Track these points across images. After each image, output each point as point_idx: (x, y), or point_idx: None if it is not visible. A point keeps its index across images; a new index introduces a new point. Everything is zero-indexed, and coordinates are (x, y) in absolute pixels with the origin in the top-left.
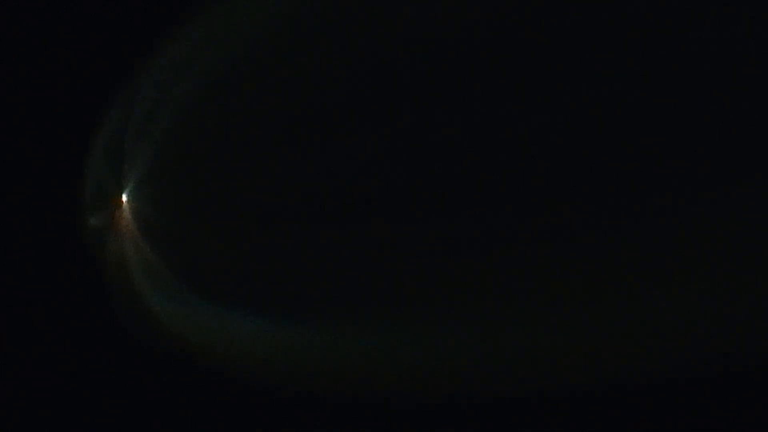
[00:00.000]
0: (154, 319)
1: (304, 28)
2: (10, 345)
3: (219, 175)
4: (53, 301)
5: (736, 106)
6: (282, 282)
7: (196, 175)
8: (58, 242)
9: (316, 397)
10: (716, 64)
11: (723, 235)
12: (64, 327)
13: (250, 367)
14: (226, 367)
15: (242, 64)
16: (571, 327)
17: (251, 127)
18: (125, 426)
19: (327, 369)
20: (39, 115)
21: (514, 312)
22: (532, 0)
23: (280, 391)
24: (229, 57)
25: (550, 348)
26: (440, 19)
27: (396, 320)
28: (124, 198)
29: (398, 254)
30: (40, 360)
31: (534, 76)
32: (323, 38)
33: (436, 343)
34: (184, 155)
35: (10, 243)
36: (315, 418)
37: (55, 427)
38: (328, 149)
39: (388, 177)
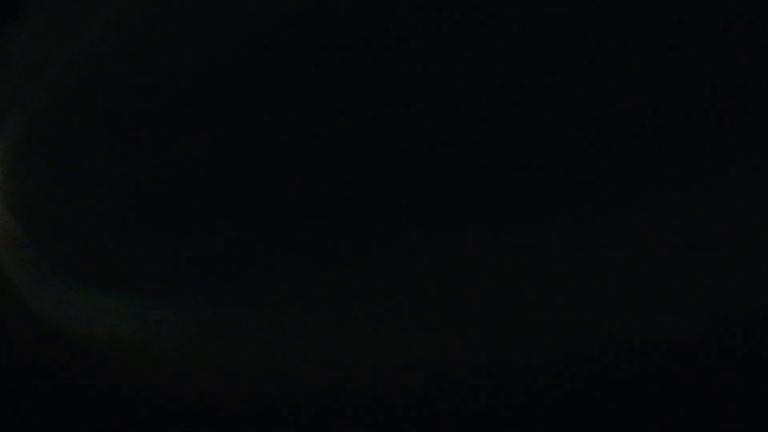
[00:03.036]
0: (17, 299)
1: None
2: None
3: (93, 150)
4: None
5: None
6: (152, 263)
7: (67, 147)
8: None
9: (191, 381)
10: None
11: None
12: None
13: (119, 349)
14: (94, 350)
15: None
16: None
17: (126, 102)
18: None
19: (200, 351)
20: None
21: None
22: None
23: (153, 374)
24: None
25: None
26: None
27: (266, 306)
28: None
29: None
30: None
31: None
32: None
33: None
34: (56, 125)
35: None
36: (188, 404)
37: None
38: (197, 129)
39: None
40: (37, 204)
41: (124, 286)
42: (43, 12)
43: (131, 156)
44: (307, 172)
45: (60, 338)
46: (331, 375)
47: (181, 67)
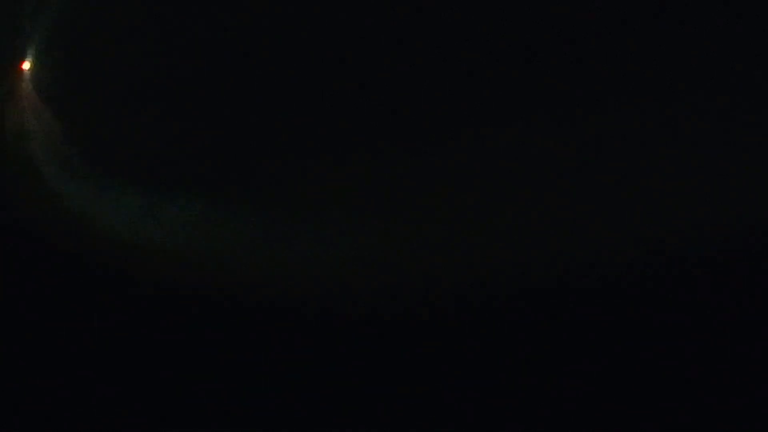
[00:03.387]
0: (54, 196)
1: None
2: None
3: (128, 43)
4: None
5: None
6: (186, 159)
7: (102, 43)
8: None
9: (221, 279)
10: None
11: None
12: None
13: (150, 245)
14: (126, 246)
15: None
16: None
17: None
18: (32, 310)
19: (233, 247)
20: None
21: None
22: None
23: (187, 271)
24: None
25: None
26: None
27: (302, 203)
28: (26, 65)
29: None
30: None
31: None
32: None
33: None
34: (91, 19)
35: None
36: (216, 301)
37: None
38: (236, 24)
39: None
40: (71, 98)
41: (147, 181)
42: None
43: (158, 49)
44: (307, 67)
45: (86, 228)
46: (328, 272)
47: None
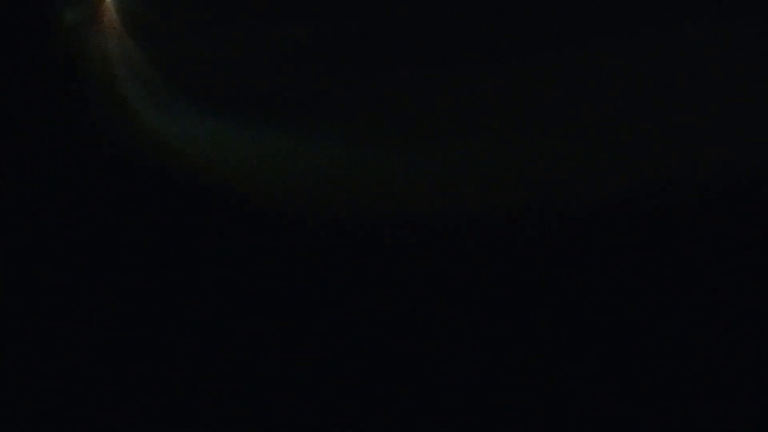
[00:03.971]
0: (141, 126)
1: None
2: None
3: None
4: (27, 112)
5: None
6: (279, 90)
7: None
8: (29, 41)
9: (310, 216)
10: None
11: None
12: (40, 138)
13: (241, 176)
14: (217, 176)
15: None
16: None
17: None
18: (121, 245)
19: (325, 182)
20: None
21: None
22: None
23: (277, 207)
24: None
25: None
26: None
27: (394, 137)
28: None
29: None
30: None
31: None
32: None
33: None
34: None
35: None
36: (303, 237)
37: (47, 259)
38: None
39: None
40: (154, 26)
41: (231, 109)
42: None
43: None
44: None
45: (166, 149)
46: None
47: None
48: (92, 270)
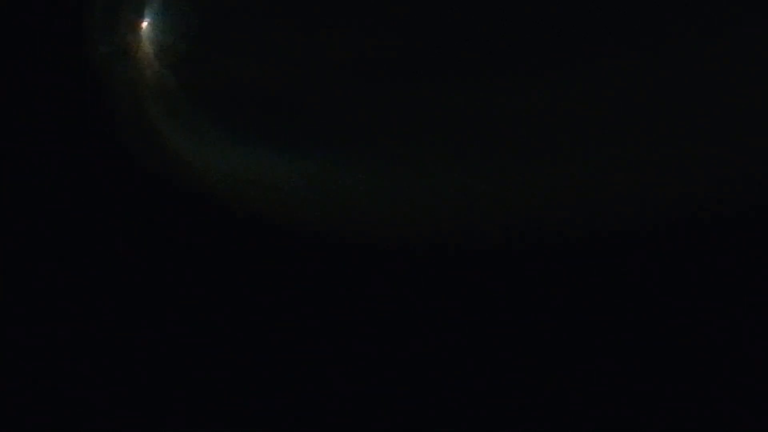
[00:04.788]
0: (172, 154)
1: None
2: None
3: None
4: (57, 140)
5: None
6: (308, 117)
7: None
8: (63, 71)
9: (333, 237)
10: None
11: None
12: (70, 162)
13: (271, 203)
14: (247, 203)
15: None
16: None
17: None
18: (147, 266)
19: (351, 207)
20: None
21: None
22: None
23: (303, 230)
24: None
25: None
26: None
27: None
28: (144, 23)
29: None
30: (48, 212)
31: None
32: None
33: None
34: None
35: (11, 64)
36: (329, 258)
37: (69, 272)
38: None
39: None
40: (194, 58)
41: (262, 137)
42: None
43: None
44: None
45: (199, 178)
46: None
47: None
48: (122, 306)
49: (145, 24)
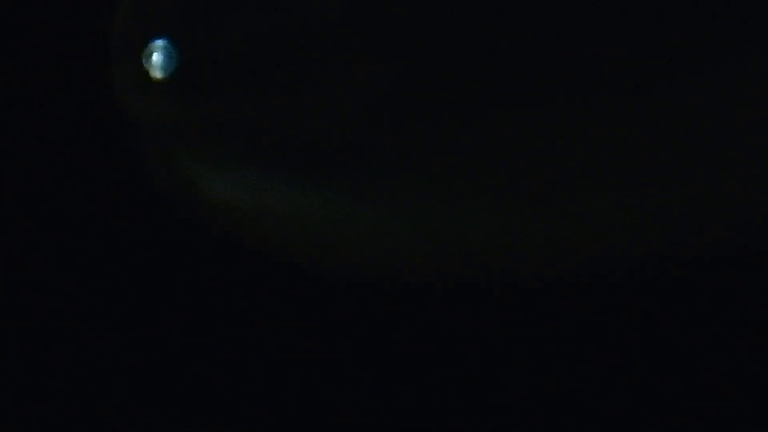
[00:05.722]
0: (190, 184)
1: None
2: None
3: (269, 26)
4: (78, 167)
5: None
6: (332, 152)
7: (242, 24)
8: (81, 100)
9: (353, 272)
10: None
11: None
12: (90, 192)
13: (293, 237)
14: (266, 235)
15: None
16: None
17: None
18: (167, 297)
19: (372, 242)
20: None
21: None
22: None
23: (322, 265)
24: None
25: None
26: None
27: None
28: (152, 51)
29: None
30: (61, 235)
31: None
32: None
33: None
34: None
35: (32, 90)
36: (347, 293)
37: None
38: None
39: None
40: (208, 89)
41: (301, 172)
42: None
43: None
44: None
45: (233, 220)
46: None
47: None
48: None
49: (153, 52)
